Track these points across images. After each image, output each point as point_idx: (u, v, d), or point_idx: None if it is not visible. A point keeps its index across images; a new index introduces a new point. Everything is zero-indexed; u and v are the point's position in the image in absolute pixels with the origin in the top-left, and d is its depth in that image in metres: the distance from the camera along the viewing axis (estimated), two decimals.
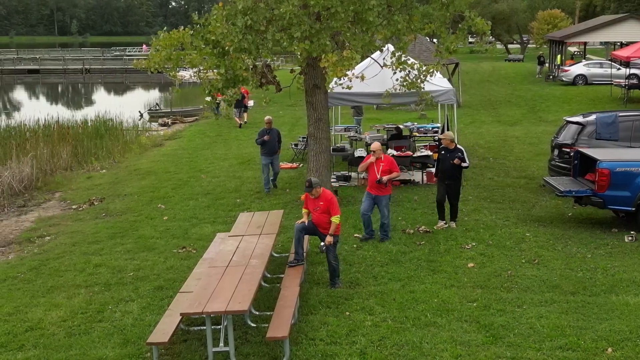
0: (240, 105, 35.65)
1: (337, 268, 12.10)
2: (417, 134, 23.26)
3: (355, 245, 14.18)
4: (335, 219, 11.91)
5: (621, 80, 39.15)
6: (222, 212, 17.38)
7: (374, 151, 14.44)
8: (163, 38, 16.59)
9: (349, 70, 14.95)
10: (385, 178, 14.15)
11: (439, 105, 25.30)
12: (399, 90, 17.64)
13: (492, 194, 18.30)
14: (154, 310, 11.30)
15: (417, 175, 20.15)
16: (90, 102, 58.39)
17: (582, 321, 10.41)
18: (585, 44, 62.07)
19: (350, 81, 16.10)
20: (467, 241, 14.31)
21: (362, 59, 18.14)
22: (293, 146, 23.88)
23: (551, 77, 51.28)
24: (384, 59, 17.74)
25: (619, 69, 45.07)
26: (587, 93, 41.47)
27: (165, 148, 28.39)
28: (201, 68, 16.83)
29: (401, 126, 23.64)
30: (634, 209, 14.55)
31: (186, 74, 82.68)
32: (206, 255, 12.41)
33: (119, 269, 13.47)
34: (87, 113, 35.76)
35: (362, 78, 15.89)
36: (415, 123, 25.40)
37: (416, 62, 17.84)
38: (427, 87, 18.12)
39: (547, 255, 13.42)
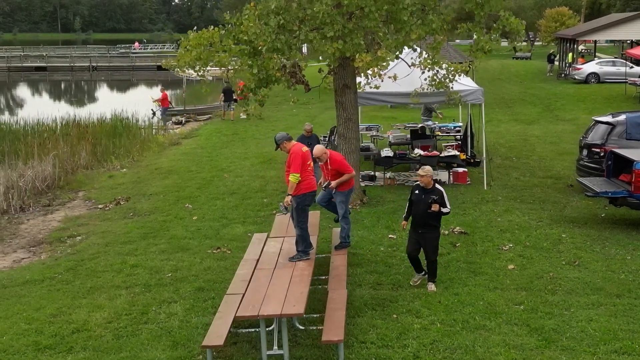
0: (230, 99, 36.10)
1: (300, 238, 11.44)
2: (440, 133, 23.20)
3: (391, 247, 14.14)
4: (292, 177, 11.19)
5: (636, 79, 39.05)
6: (251, 212, 17.33)
7: (318, 158, 12.64)
8: (193, 37, 16.61)
9: (383, 70, 14.94)
10: (334, 183, 12.59)
11: (460, 105, 25.26)
12: (427, 89, 17.59)
13: (521, 194, 18.23)
14: (199, 312, 11.24)
15: (443, 175, 20.07)
16: (99, 100, 58.32)
17: (633, 324, 10.36)
18: (595, 42, 61.96)
19: (382, 80, 16.08)
20: (504, 242, 14.25)
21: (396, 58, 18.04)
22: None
23: (563, 75, 51.18)
24: (412, 58, 17.67)
25: (631, 67, 45.03)
26: (601, 91, 41.38)
27: (183, 147, 28.31)
28: (230, 68, 16.81)
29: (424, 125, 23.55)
30: None
31: (193, 72, 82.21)
32: (247, 256, 12.31)
33: (156, 269, 13.42)
34: (102, 111, 35.58)
35: (395, 78, 15.85)
36: (437, 122, 25.30)
37: (445, 62, 17.77)
38: (456, 86, 18.09)
39: (586, 257, 13.37)
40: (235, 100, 37.24)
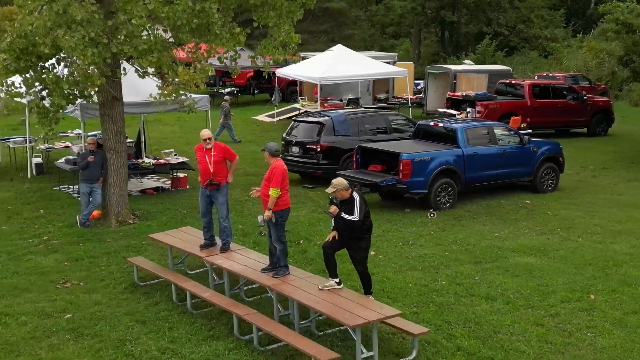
0: None
1: (282, 253, 11.45)
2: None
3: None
4: (272, 192, 11.19)
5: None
6: (33, 240, 15.57)
7: (207, 139, 12.70)
8: None
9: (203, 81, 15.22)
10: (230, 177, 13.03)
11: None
12: (160, 98, 17.71)
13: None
14: (190, 340, 10.57)
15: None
16: None
17: (534, 280, 12.88)
18: None
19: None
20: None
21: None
22: None
23: None
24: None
25: None
26: None
27: None
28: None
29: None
30: (427, 190, 17.54)
31: None
32: (186, 284, 11.75)
33: (43, 314, 11.62)
34: None
35: (182, 91, 15.95)
36: None
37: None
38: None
39: (407, 237, 15.51)
40: None
